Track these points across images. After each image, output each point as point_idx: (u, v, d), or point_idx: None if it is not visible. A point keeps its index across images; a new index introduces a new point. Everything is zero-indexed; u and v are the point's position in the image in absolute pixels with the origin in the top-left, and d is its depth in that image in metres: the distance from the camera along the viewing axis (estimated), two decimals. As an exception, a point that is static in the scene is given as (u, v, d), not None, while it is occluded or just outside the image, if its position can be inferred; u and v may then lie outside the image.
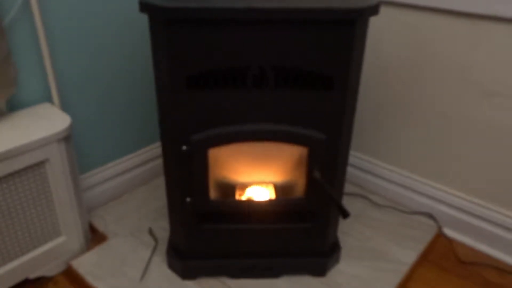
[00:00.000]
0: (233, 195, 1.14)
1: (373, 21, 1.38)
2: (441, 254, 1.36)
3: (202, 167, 1.03)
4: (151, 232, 1.37)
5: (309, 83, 0.95)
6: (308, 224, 1.14)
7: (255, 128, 0.99)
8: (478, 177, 1.34)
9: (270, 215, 1.14)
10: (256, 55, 0.91)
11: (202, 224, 1.13)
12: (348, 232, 1.38)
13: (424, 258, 1.33)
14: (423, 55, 1.32)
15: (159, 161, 1.63)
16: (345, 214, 1.00)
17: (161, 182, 1.62)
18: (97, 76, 1.34)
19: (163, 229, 1.38)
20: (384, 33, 1.37)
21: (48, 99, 1.24)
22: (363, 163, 1.59)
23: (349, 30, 0.90)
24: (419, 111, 1.39)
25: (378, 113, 1.49)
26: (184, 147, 1.00)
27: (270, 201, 1.11)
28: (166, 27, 0.87)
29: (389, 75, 1.41)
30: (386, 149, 1.52)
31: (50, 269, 1.24)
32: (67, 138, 1.14)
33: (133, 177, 1.56)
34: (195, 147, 1.00)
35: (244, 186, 1.15)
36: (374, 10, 0.90)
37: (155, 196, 1.54)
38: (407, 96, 1.40)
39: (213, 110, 0.97)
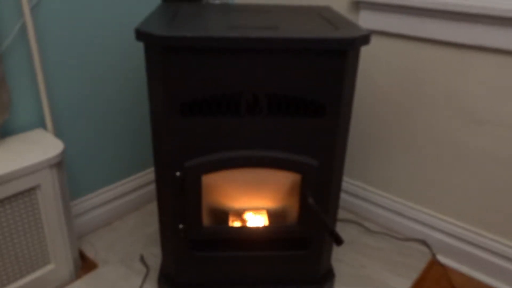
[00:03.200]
0: (226, 221, 1.14)
1: (365, 49, 1.41)
2: (436, 282, 1.34)
3: (195, 193, 1.02)
4: (142, 259, 1.34)
5: (301, 110, 0.96)
6: (302, 251, 1.13)
7: (248, 154, 0.99)
8: (471, 203, 1.34)
9: (263, 242, 1.13)
10: (249, 83, 0.92)
11: (195, 251, 1.12)
12: (342, 260, 1.37)
13: (419, 286, 1.32)
14: (413, 83, 1.34)
15: (151, 187, 1.62)
16: (339, 241, 0.99)
17: (153, 208, 1.61)
18: (91, 102, 1.35)
19: (154, 256, 1.36)
20: (375, 61, 1.40)
21: (42, 124, 1.24)
22: (356, 189, 1.59)
23: (341, 59, 0.91)
24: (411, 138, 1.40)
25: (370, 139, 1.50)
26: (178, 173, 1.00)
27: (264, 227, 1.10)
28: (161, 55, 0.89)
29: (380, 102, 1.43)
30: (379, 175, 1.53)
31: (37, 298, 1.21)
32: (59, 164, 1.13)
33: (125, 203, 1.54)
34: (189, 174, 1.00)
35: (237, 213, 1.14)
36: (365, 39, 0.92)
37: (147, 222, 1.52)
38: (398, 123, 1.42)
39: (207, 137, 0.97)
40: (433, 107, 1.33)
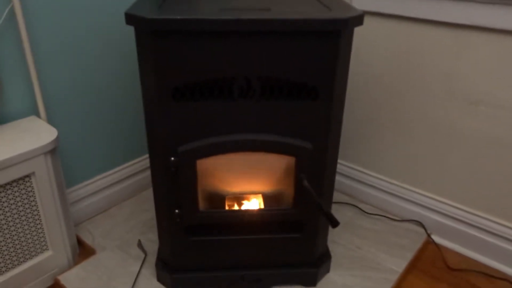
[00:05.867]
0: (222, 206, 1.14)
1: (357, 31, 1.40)
2: (431, 262, 1.36)
3: (190, 178, 1.02)
4: (140, 244, 1.35)
5: (294, 93, 0.96)
6: (298, 234, 1.14)
7: (242, 138, 0.99)
8: (466, 184, 1.35)
9: (259, 226, 1.13)
10: (242, 66, 0.91)
11: (191, 236, 1.13)
12: (337, 241, 1.38)
13: (414, 266, 1.33)
14: (407, 65, 1.34)
15: (147, 173, 1.62)
16: (334, 223, 1.00)
17: (149, 194, 1.61)
18: (84, 88, 1.34)
19: (152, 242, 1.36)
20: (367, 43, 1.39)
21: (35, 112, 1.23)
22: (352, 172, 1.60)
23: (334, 40, 0.91)
24: (406, 120, 1.40)
25: (366, 122, 1.50)
26: (172, 159, 1.00)
27: (259, 211, 1.10)
28: (152, 39, 0.88)
29: (374, 84, 1.43)
30: (374, 157, 1.53)
31: (36, 285, 1.21)
32: (53, 151, 1.13)
33: (121, 189, 1.55)
34: (183, 159, 1.00)
35: (232, 197, 1.15)
36: (358, 20, 0.91)
37: (143, 209, 1.53)
38: (394, 105, 1.41)
39: (200, 121, 0.97)
40: (427, 89, 1.32)
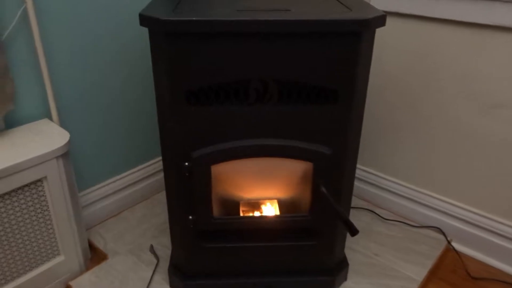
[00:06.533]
0: (237, 212, 1.11)
1: (377, 32, 1.36)
2: (451, 270, 1.32)
3: (204, 184, 1.00)
4: (152, 249, 1.33)
5: (313, 96, 0.92)
6: (314, 241, 1.11)
7: (259, 143, 0.96)
8: (487, 189, 1.30)
9: (275, 233, 1.10)
10: (258, 69, 0.88)
11: (205, 242, 1.10)
12: (355, 248, 1.34)
13: (434, 274, 1.29)
14: (426, 66, 1.29)
15: (160, 176, 1.60)
16: (353, 231, 0.97)
17: (162, 197, 1.59)
18: (97, 91, 1.32)
19: (164, 246, 1.34)
20: (385, 44, 1.35)
21: (47, 115, 1.22)
22: (369, 177, 1.56)
23: (355, 42, 0.87)
24: (424, 123, 1.36)
25: (382, 125, 1.46)
26: (186, 164, 0.97)
27: (275, 217, 1.07)
28: (166, 41, 0.85)
29: (392, 86, 1.39)
30: (391, 161, 1.49)
31: (48, 290, 1.20)
32: (65, 154, 1.11)
33: (133, 192, 1.53)
34: (197, 164, 0.97)
35: (248, 203, 1.12)
36: (380, 21, 0.88)
37: (156, 212, 1.51)
38: (411, 107, 1.37)
39: (215, 126, 0.94)
40: (447, 91, 1.28)
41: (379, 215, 1.50)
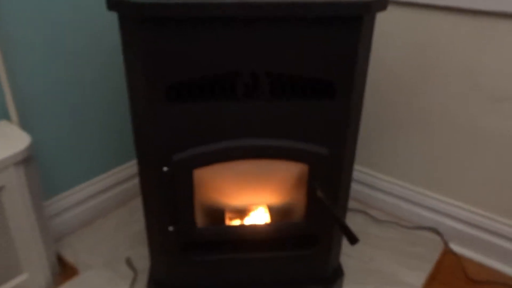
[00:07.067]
0: (223, 220, 1.01)
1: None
2: (450, 273, 1.25)
3: (186, 191, 0.90)
4: (128, 262, 1.21)
5: (309, 91, 0.83)
6: (309, 250, 1.02)
7: (248, 144, 0.86)
8: (487, 188, 1.24)
9: (265, 242, 1.01)
10: (247, 60, 0.79)
11: (187, 254, 1.00)
12: (349, 254, 1.26)
13: (433, 278, 1.22)
14: (425, 58, 1.22)
15: (136, 181, 1.48)
16: (353, 240, 0.88)
17: (138, 203, 1.47)
18: (65, 88, 1.20)
19: (142, 258, 1.23)
20: (382, 35, 1.27)
21: (5, 116, 1.09)
22: (362, 176, 1.48)
23: (354, 28, 0.78)
24: (421, 118, 1.29)
25: (376, 120, 1.38)
26: (165, 169, 0.87)
27: (266, 226, 0.98)
28: (140, 28, 0.74)
29: (389, 79, 1.31)
30: (385, 159, 1.42)
31: (11, 313, 1.07)
32: (27, 160, 0.98)
33: (107, 199, 1.41)
34: (178, 168, 0.87)
35: (235, 210, 1.02)
36: (381, 4, 0.79)
37: (133, 220, 1.39)
38: (408, 102, 1.30)
39: (198, 125, 0.84)
40: (446, 84, 1.21)
41: (372, 216, 1.42)
